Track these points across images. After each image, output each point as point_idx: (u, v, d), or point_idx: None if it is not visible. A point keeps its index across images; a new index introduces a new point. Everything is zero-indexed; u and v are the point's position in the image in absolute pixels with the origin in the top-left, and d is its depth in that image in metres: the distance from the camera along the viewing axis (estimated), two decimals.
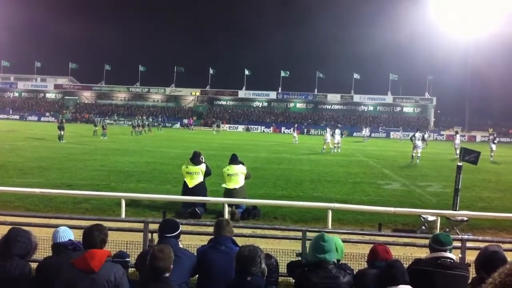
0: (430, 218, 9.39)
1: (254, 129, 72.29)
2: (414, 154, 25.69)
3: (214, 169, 12.20)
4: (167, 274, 3.69)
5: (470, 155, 9.96)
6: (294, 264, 4.66)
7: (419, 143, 25.69)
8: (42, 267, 4.08)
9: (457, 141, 32.29)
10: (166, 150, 28.04)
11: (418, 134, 26.25)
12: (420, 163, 24.82)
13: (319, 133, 62.15)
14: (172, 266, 3.73)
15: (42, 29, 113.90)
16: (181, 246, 4.66)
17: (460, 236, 6.38)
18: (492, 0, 63.11)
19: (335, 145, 31.87)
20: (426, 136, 36.10)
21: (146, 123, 52.76)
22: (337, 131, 32.70)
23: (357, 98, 79.60)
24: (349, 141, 47.91)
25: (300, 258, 5.09)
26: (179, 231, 4.62)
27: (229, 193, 10.67)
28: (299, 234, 5.97)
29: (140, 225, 6.20)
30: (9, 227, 4.30)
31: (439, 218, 9.07)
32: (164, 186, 14.18)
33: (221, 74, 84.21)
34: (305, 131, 67.47)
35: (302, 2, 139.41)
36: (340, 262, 4.20)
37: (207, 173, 11.05)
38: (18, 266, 3.86)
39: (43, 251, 5.28)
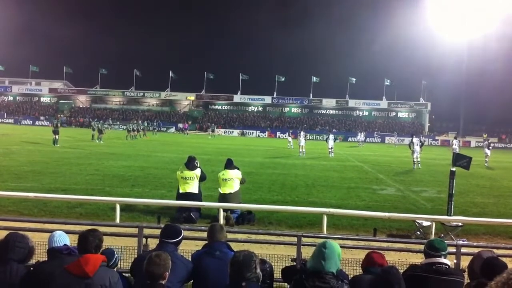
0: (425, 223, 9.41)
1: (249, 133, 72.35)
2: (415, 160, 25.78)
3: (209, 174, 12.19)
4: (162, 282, 3.63)
5: (462, 160, 10.04)
6: (289, 270, 4.63)
7: (417, 148, 25.79)
8: (35, 271, 4.04)
9: (455, 146, 32.35)
10: (161, 154, 27.98)
11: (415, 140, 26.37)
12: (416, 168, 24.93)
13: (314, 138, 62.21)
14: (168, 274, 3.68)
15: (37, 33, 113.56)
16: (179, 252, 4.61)
17: (455, 242, 6.40)
18: (487, 6, 63.63)
19: (329, 150, 32.03)
20: (422, 139, 36.26)
21: (141, 127, 52.52)
22: (331, 136, 33.03)
23: (352, 103, 79.91)
24: (344, 146, 48.01)
25: (295, 263, 5.07)
26: (179, 238, 4.55)
27: (224, 198, 10.66)
28: (294, 239, 5.96)
29: (135, 230, 6.17)
30: (3, 231, 4.27)
31: (434, 223, 9.09)
32: (159, 190, 14.13)
33: (217, 78, 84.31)
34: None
35: (298, 7, 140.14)
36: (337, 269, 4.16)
37: (202, 178, 11.04)
38: (18, 270, 3.85)
39: (36, 256, 5.23)
